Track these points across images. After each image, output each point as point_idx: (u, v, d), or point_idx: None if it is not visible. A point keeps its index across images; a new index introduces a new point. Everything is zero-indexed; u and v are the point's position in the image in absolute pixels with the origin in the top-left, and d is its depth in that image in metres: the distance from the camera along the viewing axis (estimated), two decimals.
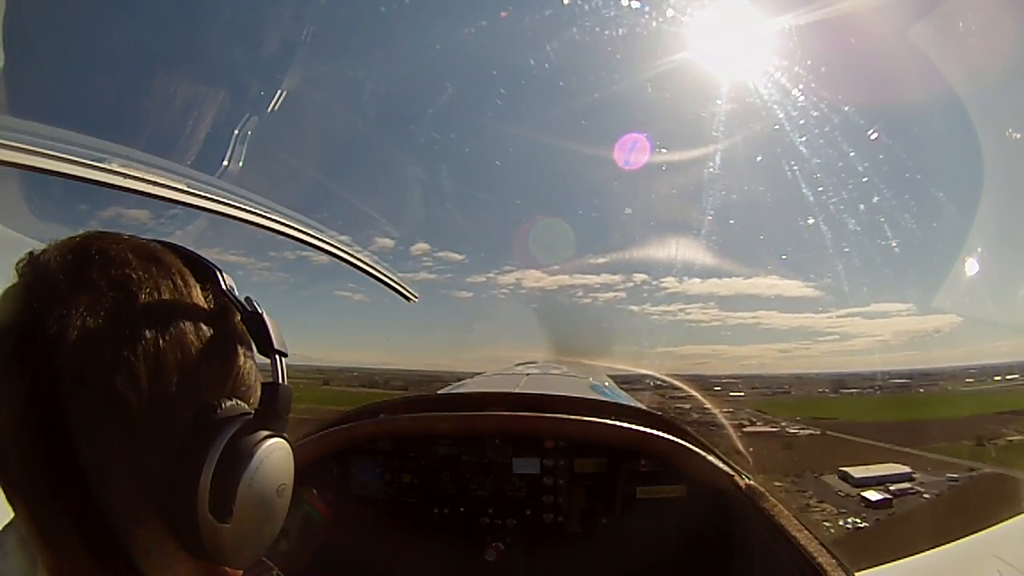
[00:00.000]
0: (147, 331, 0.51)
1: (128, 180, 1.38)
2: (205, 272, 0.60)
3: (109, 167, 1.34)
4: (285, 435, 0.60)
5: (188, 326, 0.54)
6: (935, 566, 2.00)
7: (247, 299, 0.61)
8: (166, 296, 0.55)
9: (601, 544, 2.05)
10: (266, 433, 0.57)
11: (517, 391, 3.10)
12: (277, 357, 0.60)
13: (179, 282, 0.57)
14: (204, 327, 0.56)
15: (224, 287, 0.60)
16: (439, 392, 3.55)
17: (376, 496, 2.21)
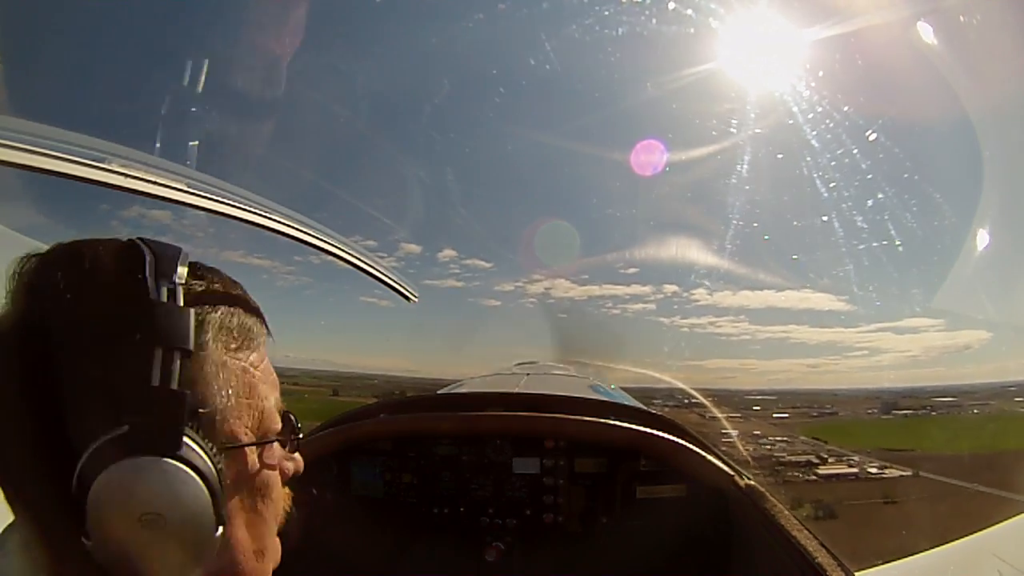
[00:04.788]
0: (72, 338, 0.52)
1: (128, 180, 1.38)
2: (138, 265, 0.56)
3: (109, 167, 1.34)
4: (181, 453, 0.51)
5: (102, 330, 0.53)
6: (935, 566, 2.00)
7: (190, 287, 0.58)
8: (82, 297, 0.54)
9: (601, 544, 2.05)
10: (135, 450, 0.50)
11: (517, 391, 3.10)
12: (162, 352, 0.51)
13: (104, 280, 0.55)
14: (125, 330, 0.52)
15: (152, 272, 0.55)
16: (439, 392, 3.55)
17: (376, 496, 2.20)
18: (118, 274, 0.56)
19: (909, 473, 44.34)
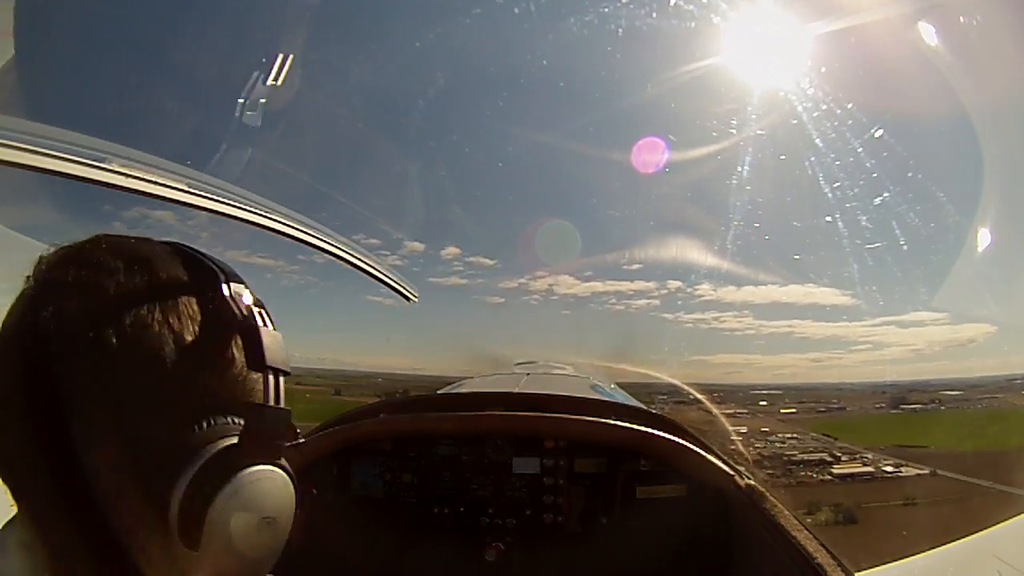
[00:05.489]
0: (145, 342, 0.51)
1: (128, 180, 1.38)
2: (206, 277, 0.58)
3: (109, 167, 1.34)
4: (281, 462, 0.56)
5: (167, 338, 0.52)
6: (935, 566, 1.99)
7: (254, 306, 0.58)
8: (160, 306, 0.53)
9: (601, 544, 2.05)
10: (249, 460, 0.53)
11: (517, 391, 3.10)
12: (271, 375, 0.56)
13: (178, 289, 0.56)
14: (199, 338, 0.54)
15: (229, 293, 0.57)
16: (439, 392, 3.55)
17: (376, 496, 2.21)
18: (202, 290, 0.57)
19: (926, 472, 41.74)
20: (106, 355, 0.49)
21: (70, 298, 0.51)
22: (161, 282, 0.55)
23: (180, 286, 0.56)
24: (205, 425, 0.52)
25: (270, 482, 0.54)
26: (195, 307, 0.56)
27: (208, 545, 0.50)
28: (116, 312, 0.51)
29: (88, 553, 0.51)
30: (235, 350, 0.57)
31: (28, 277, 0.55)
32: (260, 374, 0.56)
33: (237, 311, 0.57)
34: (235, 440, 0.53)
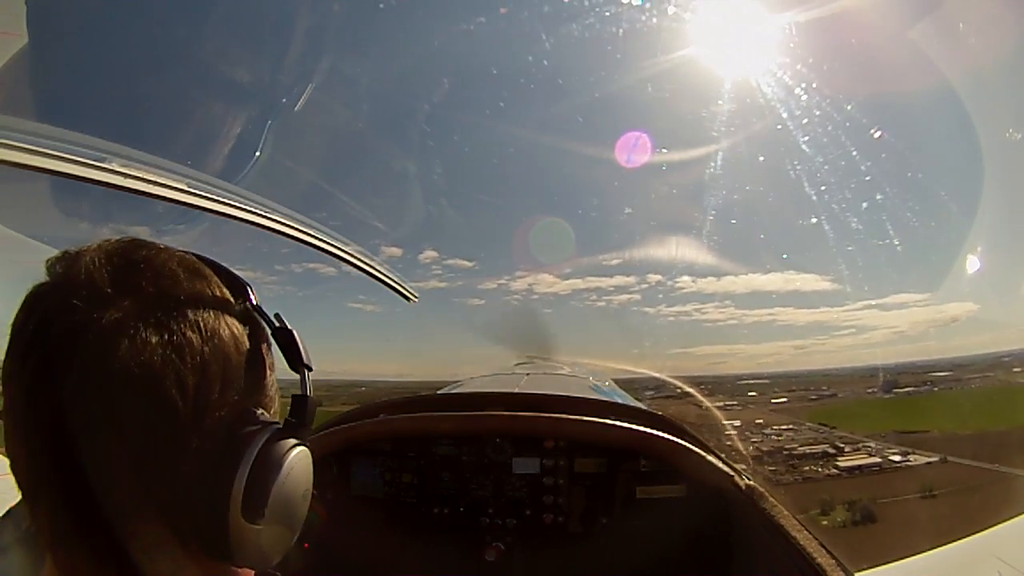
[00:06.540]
0: (195, 341, 0.53)
1: (128, 180, 1.38)
2: (237, 287, 0.63)
3: (109, 167, 1.34)
4: (308, 444, 0.63)
5: (229, 338, 0.57)
6: (935, 566, 2.00)
7: (276, 315, 0.65)
8: (210, 309, 0.57)
9: (601, 544, 2.05)
10: (295, 441, 0.60)
11: (517, 391, 3.10)
12: (305, 371, 0.65)
13: (219, 295, 0.59)
14: (241, 340, 0.59)
15: (255, 302, 0.64)
16: (439, 392, 3.55)
17: (376, 496, 2.21)
18: (240, 297, 0.63)
19: (936, 459, 39.54)
20: (182, 358, 0.52)
21: (146, 302, 0.52)
22: (214, 291, 0.59)
23: (226, 295, 0.61)
24: (254, 417, 0.58)
25: (308, 460, 0.62)
26: (239, 315, 0.61)
27: (267, 518, 0.56)
28: (190, 317, 0.54)
29: (105, 549, 0.51)
30: (266, 352, 0.64)
31: (55, 271, 0.53)
32: (272, 372, 0.64)
33: (268, 317, 0.64)
34: (279, 426, 0.59)
